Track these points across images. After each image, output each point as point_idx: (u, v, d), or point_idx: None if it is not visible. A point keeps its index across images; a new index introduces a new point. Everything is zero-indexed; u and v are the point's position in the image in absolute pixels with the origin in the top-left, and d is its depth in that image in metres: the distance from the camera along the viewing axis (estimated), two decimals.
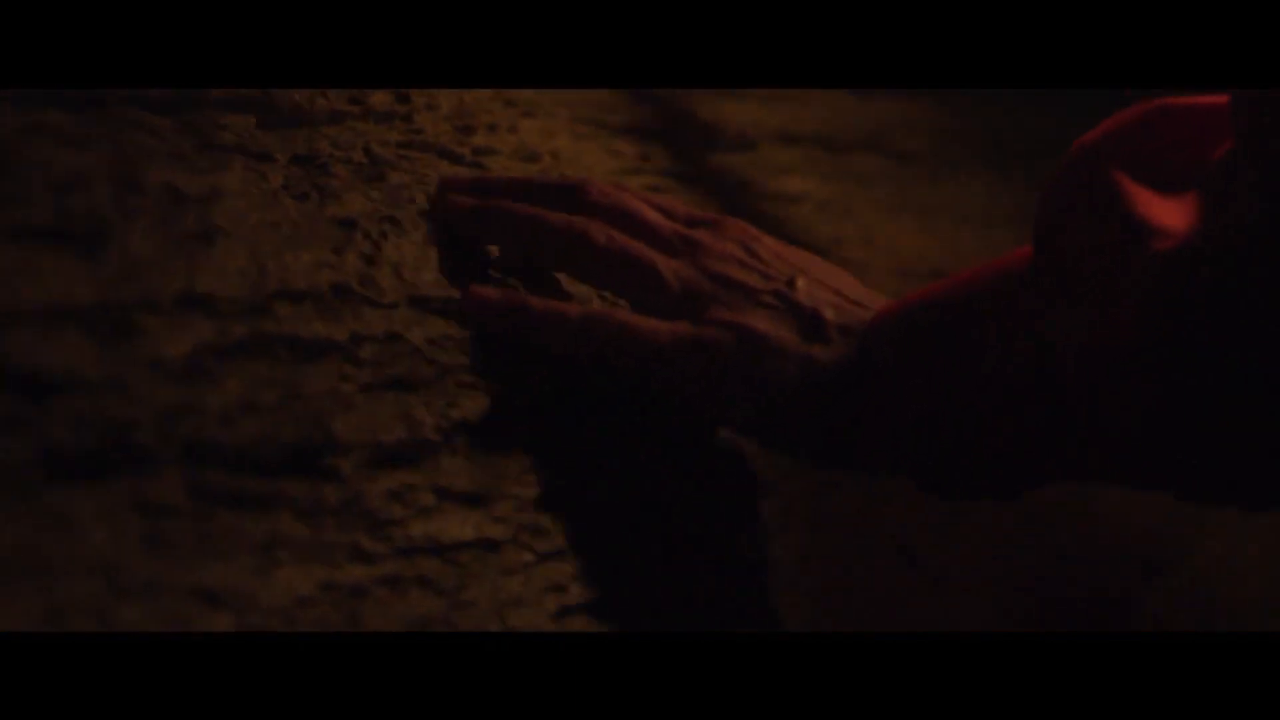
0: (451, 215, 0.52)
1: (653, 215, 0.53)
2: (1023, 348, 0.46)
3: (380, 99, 0.58)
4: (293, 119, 0.53)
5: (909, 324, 0.49)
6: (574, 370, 0.51)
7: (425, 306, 0.49)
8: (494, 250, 0.54)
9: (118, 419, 0.37)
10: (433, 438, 0.46)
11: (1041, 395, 0.45)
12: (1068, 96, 0.99)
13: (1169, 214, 0.42)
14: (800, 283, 0.51)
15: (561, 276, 0.55)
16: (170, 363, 0.40)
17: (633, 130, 0.73)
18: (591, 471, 0.50)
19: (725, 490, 0.55)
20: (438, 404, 0.46)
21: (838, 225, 0.79)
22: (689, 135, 0.77)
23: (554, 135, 0.66)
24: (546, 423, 0.50)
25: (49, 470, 0.36)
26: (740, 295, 0.50)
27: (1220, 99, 0.44)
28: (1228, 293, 0.39)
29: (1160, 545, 0.75)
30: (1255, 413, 0.39)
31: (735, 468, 0.55)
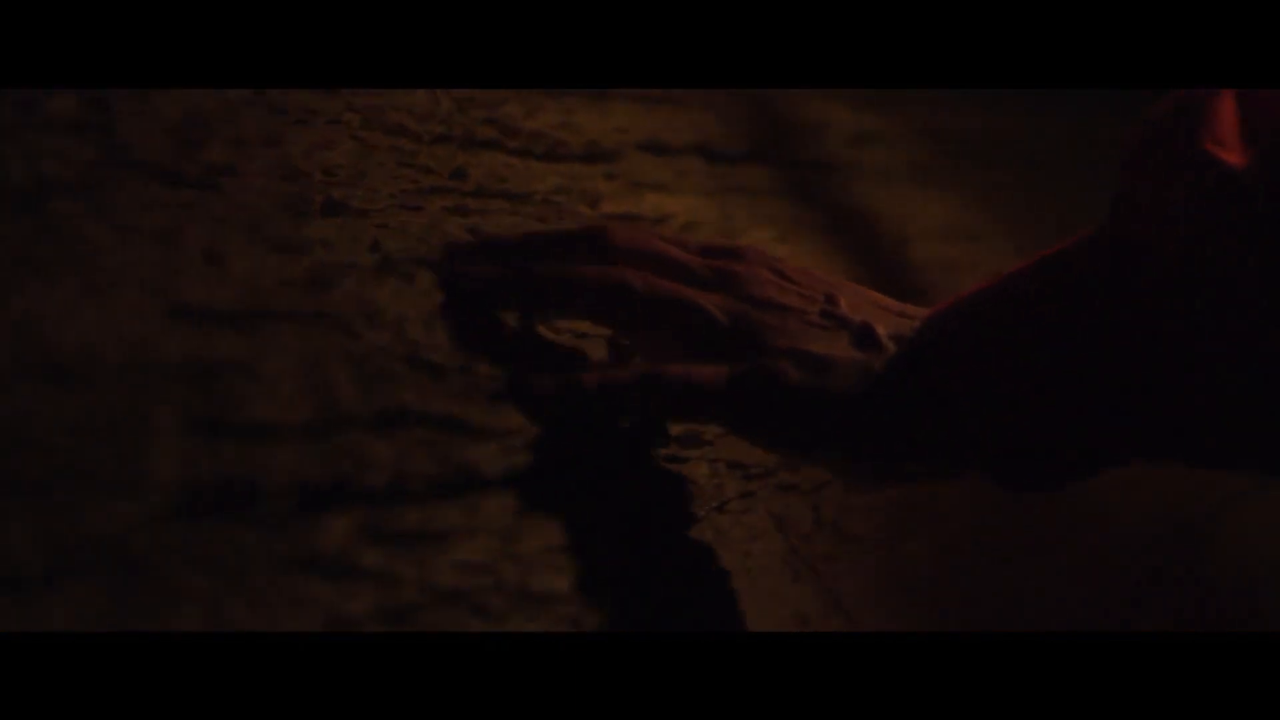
0: (468, 285, 0.50)
1: (681, 253, 0.52)
2: (1096, 326, 0.45)
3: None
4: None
5: (969, 317, 0.48)
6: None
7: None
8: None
9: None
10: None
11: (1127, 371, 0.44)
12: (1006, 96, 1.03)
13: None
14: (842, 299, 0.51)
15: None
16: None
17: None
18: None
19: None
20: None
21: None
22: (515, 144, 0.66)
23: None
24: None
25: None
26: (789, 319, 0.49)
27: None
28: None
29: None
30: None
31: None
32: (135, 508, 0.37)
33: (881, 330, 0.50)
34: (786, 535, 0.60)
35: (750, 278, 0.51)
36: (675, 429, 0.56)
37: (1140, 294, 0.44)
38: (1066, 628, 0.75)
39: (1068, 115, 1.12)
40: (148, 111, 0.47)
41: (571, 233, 0.53)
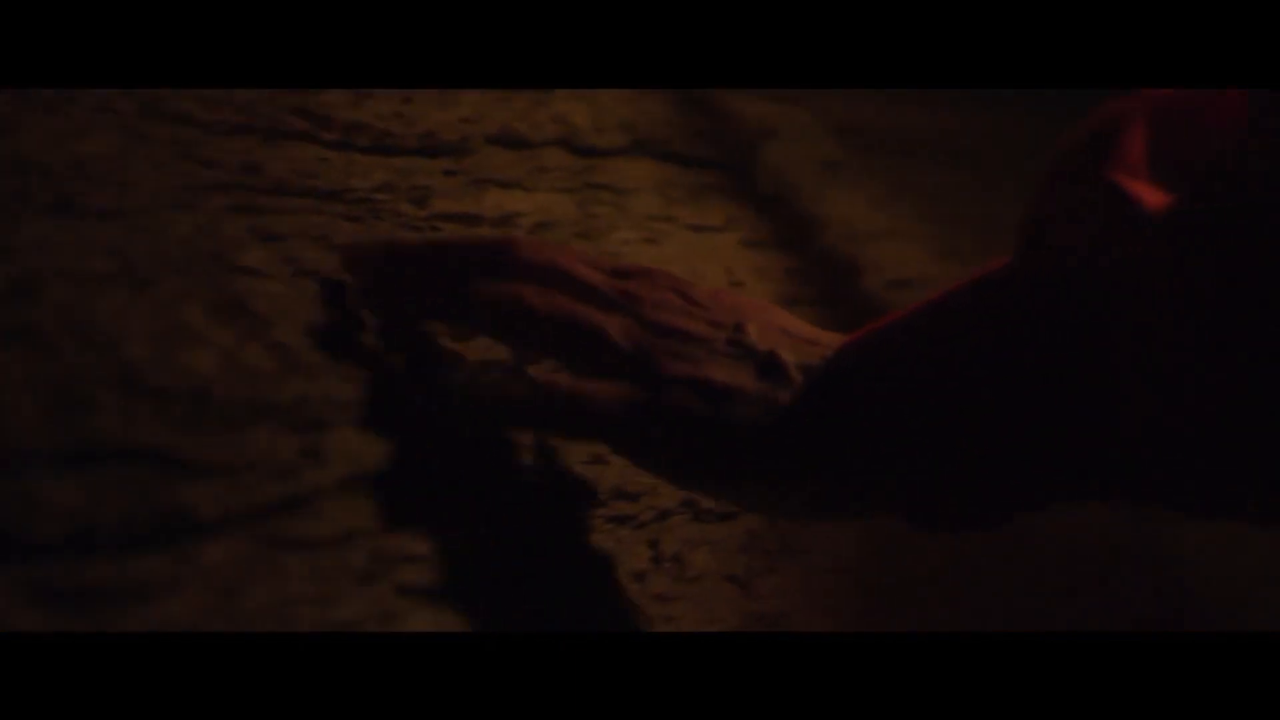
0: (364, 289, 0.49)
1: (587, 271, 0.49)
2: (1016, 361, 0.43)
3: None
4: None
5: (883, 351, 0.46)
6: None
7: None
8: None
9: None
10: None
11: (1044, 408, 0.43)
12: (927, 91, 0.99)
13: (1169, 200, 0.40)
14: (750, 326, 0.48)
15: None
16: None
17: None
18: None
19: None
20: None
21: None
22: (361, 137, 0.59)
23: None
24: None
25: None
26: (692, 345, 0.47)
27: (1212, 92, 0.43)
28: (1245, 284, 0.37)
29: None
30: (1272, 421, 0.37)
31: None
32: None
33: (789, 359, 0.47)
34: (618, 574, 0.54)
35: (656, 302, 0.49)
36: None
37: (1053, 330, 0.43)
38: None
39: (993, 111, 1.05)
40: None
41: (478, 244, 0.51)
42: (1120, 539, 0.86)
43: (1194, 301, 0.38)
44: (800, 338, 0.49)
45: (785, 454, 0.46)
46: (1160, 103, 0.44)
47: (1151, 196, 0.40)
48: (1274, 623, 0.85)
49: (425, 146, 0.63)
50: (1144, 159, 0.42)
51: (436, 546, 0.46)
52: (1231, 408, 0.38)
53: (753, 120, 0.86)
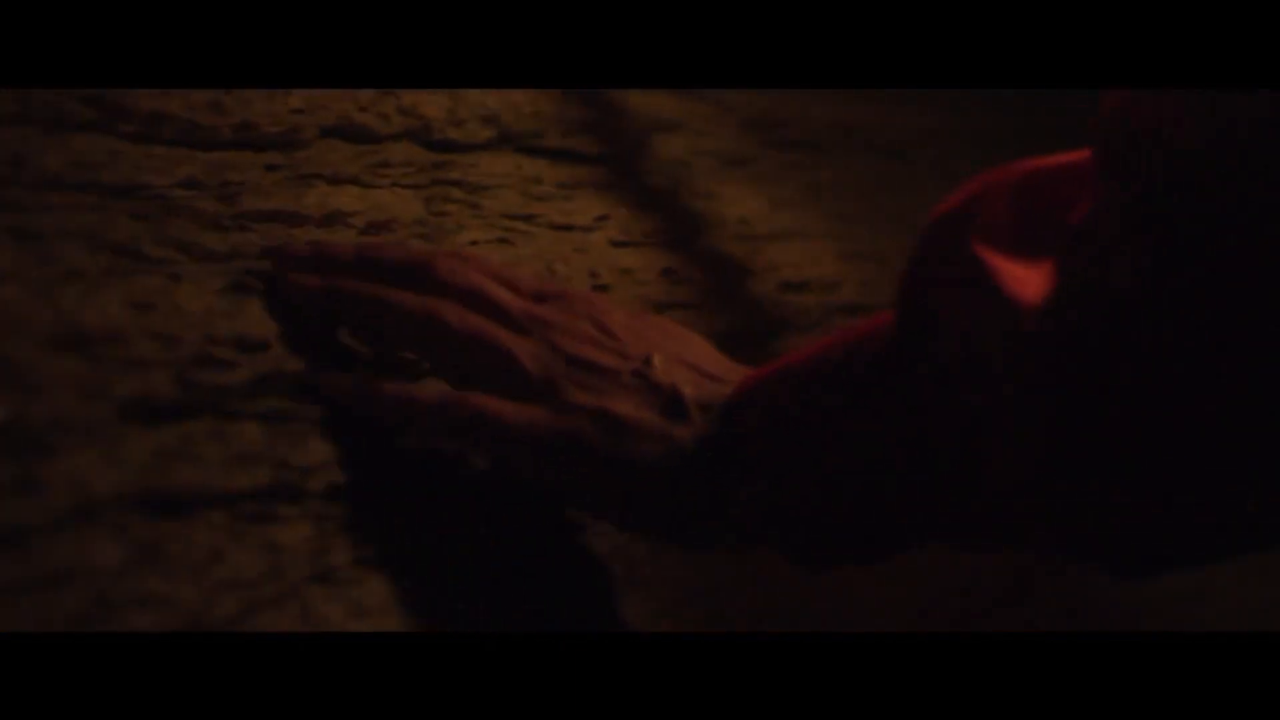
0: (292, 295, 0.51)
1: (504, 294, 0.51)
2: (892, 415, 0.45)
3: None
4: None
5: (772, 396, 0.48)
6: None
7: None
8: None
9: None
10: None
11: (912, 462, 0.44)
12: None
13: (1033, 285, 0.41)
14: (657, 360, 0.50)
15: None
16: None
17: None
18: None
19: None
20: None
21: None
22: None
23: None
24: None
25: None
26: (598, 376, 0.49)
27: (1078, 155, 0.44)
28: (1093, 360, 0.39)
29: None
30: (1128, 477, 0.40)
31: None
32: None
33: (690, 395, 0.49)
34: None
35: (568, 329, 0.51)
36: None
37: (923, 393, 0.44)
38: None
39: (916, 105, 1.00)
40: None
41: (402, 257, 0.52)
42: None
43: (1052, 384, 0.40)
44: (707, 373, 0.50)
45: (678, 489, 0.47)
46: (1027, 171, 0.45)
47: (1016, 280, 0.41)
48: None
49: (244, 139, 0.58)
50: (1011, 230, 0.43)
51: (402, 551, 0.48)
52: (1086, 469, 0.40)
53: (646, 113, 0.81)
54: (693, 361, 0.51)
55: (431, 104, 0.67)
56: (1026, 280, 0.41)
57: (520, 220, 0.66)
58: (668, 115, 0.82)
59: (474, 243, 0.63)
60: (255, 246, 0.53)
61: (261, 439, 0.47)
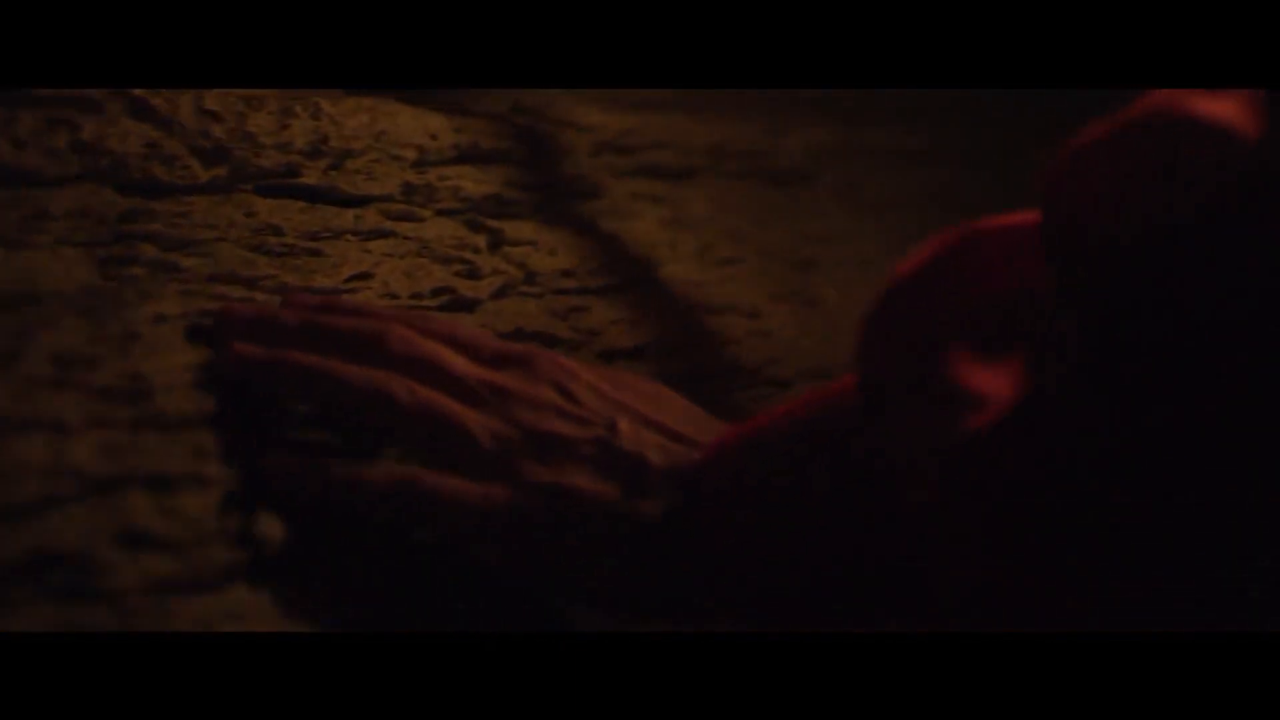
0: (238, 366, 0.47)
1: (459, 364, 0.49)
2: (857, 481, 0.44)
3: None
4: None
5: (738, 466, 0.46)
6: None
7: None
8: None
9: None
10: None
11: (878, 533, 0.43)
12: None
13: (984, 378, 0.41)
14: (623, 425, 0.48)
15: None
16: None
17: None
18: None
19: None
20: None
21: None
22: None
23: None
24: None
25: None
26: (557, 448, 0.47)
27: (1030, 218, 0.42)
28: (1040, 468, 0.38)
29: None
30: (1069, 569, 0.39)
31: None
32: None
33: (656, 463, 0.47)
34: None
35: (528, 397, 0.49)
36: None
37: (870, 468, 0.43)
38: None
39: (802, 121, 0.86)
40: None
41: (353, 326, 0.49)
42: None
43: (985, 501, 0.39)
44: (676, 435, 0.49)
45: (634, 564, 0.46)
46: (971, 235, 0.44)
47: (961, 387, 0.40)
48: None
49: None
50: (963, 307, 0.42)
51: None
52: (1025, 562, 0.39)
53: (448, 139, 0.65)
54: (662, 422, 0.49)
55: (130, 135, 0.52)
56: (978, 374, 0.41)
57: (240, 285, 0.51)
58: (488, 143, 0.67)
59: (162, 317, 0.47)
60: None
61: None
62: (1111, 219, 0.38)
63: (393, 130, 0.62)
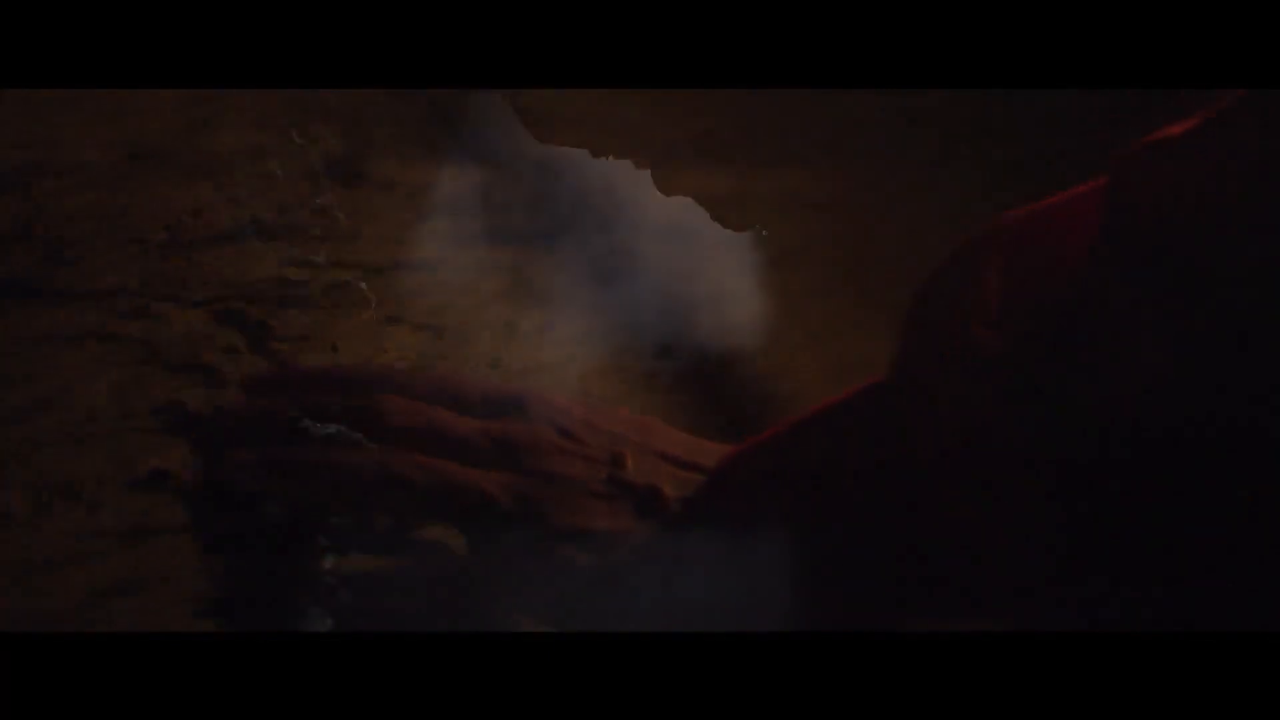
0: (229, 472, 0.48)
1: (460, 425, 0.49)
2: (882, 455, 0.45)
3: None
4: None
5: (756, 462, 0.47)
6: None
7: None
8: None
9: None
10: None
11: (914, 524, 0.44)
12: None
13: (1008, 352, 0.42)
14: (629, 458, 0.49)
15: None
16: None
17: None
18: None
19: None
20: None
21: None
22: None
23: None
24: None
25: None
26: (572, 492, 0.48)
27: (1059, 199, 0.43)
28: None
29: None
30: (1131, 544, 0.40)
31: None
32: None
33: (670, 492, 0.48)
34: None
35: (531, 445, 0.49)
36: None
37: (902, 449, 0.44)
38: None
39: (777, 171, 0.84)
40: None
41: (345, 407, 0.49)
42: None
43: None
44: (679, 461, 0.49)
45: (656, 591, 0.46)
46: (1013, 226, 0.44)
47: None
48: None
49: None
50: (998, 292, 0.43)
51: None
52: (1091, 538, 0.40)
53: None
54: (662, 450, 0.50)
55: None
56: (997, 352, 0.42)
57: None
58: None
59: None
60: None
61: None
62: (1192, 209, 0.38)
63: None
